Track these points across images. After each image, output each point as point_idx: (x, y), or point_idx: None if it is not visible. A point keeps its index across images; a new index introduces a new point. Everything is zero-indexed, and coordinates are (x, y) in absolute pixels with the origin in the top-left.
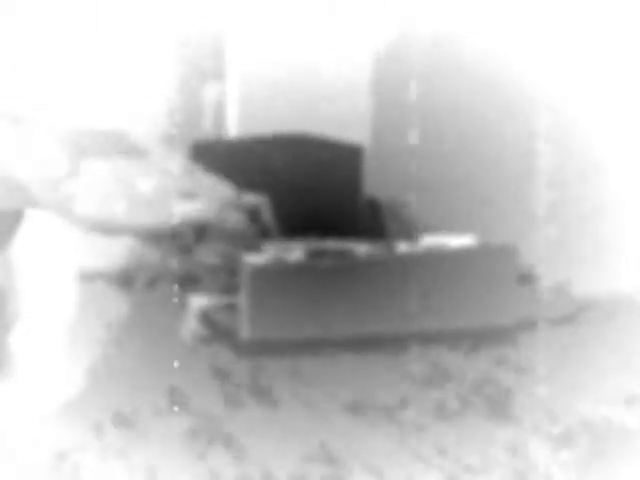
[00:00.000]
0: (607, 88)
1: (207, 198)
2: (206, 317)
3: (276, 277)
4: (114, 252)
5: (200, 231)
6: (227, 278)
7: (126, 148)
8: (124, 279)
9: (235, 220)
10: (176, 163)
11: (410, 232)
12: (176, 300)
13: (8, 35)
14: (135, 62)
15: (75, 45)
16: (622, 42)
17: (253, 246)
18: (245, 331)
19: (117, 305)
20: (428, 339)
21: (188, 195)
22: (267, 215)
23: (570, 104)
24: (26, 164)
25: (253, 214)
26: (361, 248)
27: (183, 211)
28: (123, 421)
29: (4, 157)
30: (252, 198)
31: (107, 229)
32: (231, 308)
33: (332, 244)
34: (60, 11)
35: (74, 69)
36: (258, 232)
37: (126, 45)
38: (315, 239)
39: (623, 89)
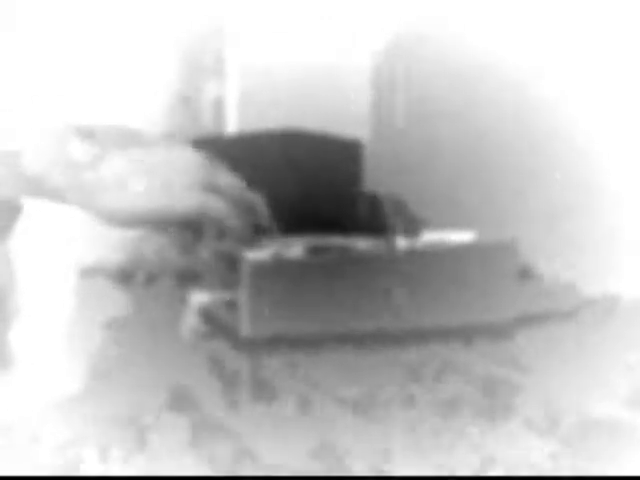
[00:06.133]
0: (609, 87)
1: (225, 192)
2: (206, 313)
3: (276, 273)
4: (113, 247)
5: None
6: (227, 274)
7: (142, 141)
8: (123, 275)
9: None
10: (195, 154)
11: (411, 228)
12: (176, 296)
13: (11, 34)
14: (134, 59)
15: (74, 41)
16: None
17: (253, 243)
18: (245, 328)
19: (116, 301)
20: (428, 335)
21: (208, 187)
22: (265, 212)
23: (573, 102)
24: (45, 155)
25: (252, 211)
26: (361, 244)
27: (203, 202)
28: (123, 417)
29: (23, 151)
30: (251, 194)
31: (128, 220)
32: (231, 304)
33: (332, 240)
34: (62, 9)
35: (72, 66)
36: (257, 229)
37: (125, 42)
38: (315, 235)
39: (625, 89)
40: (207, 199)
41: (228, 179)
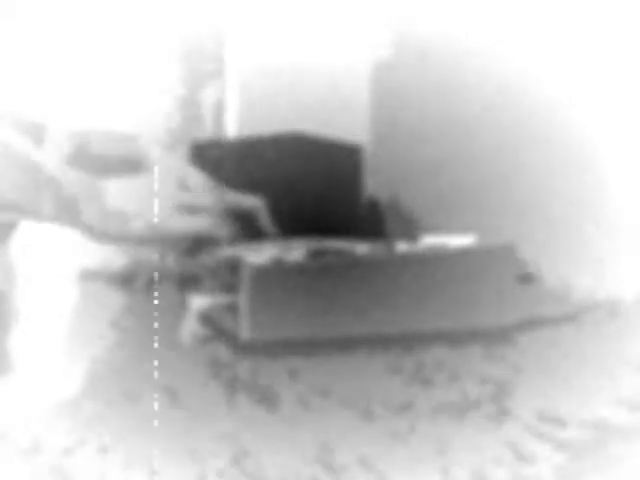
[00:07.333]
0: (608, 87)
1: (209, 210)
2: (206, 317)
3: (276, 277)
4: (113, 252)
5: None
6: (227, 278)
7: (135, 157)
8: (123, 279)
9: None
10: (184, 173)
11: (410, 232)
12: (176, 300)
13: (9, 37)
14: (134, 62)
15: (74, 44)
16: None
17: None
18: (245, 331)
19: (116, 305)
20: (428, 339)
21: (190, 209)
22: (265, 216)
23: (572, 103)
24: (39, 181)
25: (250, 216)
26: (361, 247)
27: (183, 225)
28: (122, 421)
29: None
30: (250, 200)
31: (116, 239)
32: (231, 308)
33: (332, 243)
34: (61, 12)
35: (73, 69)
36: (256, 234)
37: (125, 45)
38: (315, 239)
39: (623, 88)
40: (188, 220)
41: (211, 191)
